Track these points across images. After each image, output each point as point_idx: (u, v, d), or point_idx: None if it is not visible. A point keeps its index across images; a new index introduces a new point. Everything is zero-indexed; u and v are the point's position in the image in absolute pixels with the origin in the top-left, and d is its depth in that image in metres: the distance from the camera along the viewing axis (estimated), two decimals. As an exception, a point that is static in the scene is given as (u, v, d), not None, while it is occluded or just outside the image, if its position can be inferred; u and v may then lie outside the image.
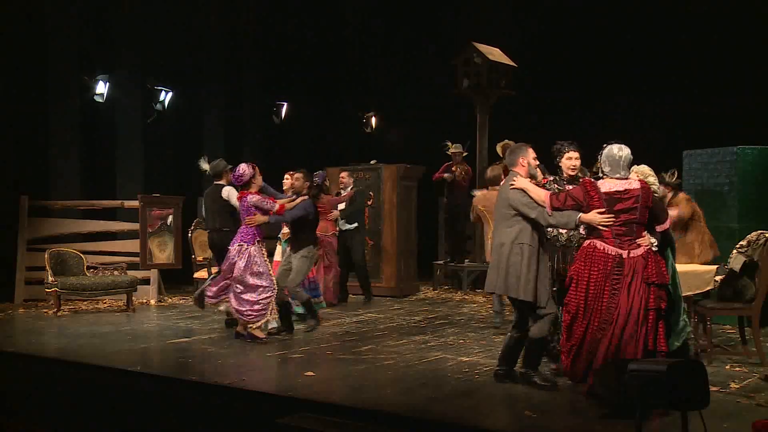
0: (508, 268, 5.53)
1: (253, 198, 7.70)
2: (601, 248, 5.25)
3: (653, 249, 5.29)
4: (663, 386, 3.91)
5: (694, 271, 6.66)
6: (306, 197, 8.18)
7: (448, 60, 11.32)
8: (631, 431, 4.44)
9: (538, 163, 5.84)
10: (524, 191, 5.54)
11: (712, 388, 4.74)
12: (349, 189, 10.54)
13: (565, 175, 6.18)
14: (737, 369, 6.36)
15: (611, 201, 5.26)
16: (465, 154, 11.65)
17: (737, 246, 6.79)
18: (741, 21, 11.50)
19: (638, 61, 12.44)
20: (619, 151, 5.32)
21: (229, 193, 8.31)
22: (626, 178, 5.32)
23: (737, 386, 5.78)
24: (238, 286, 7.62)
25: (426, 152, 12.79)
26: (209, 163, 8.77)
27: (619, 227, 5.24)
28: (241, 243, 7.68)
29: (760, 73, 11.41)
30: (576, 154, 6.15)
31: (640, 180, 5.39)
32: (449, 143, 11.75)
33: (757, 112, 11.15)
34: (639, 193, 5.26)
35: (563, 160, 6.18)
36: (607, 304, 5.19)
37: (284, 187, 8.83)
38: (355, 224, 10.56)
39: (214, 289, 7.79)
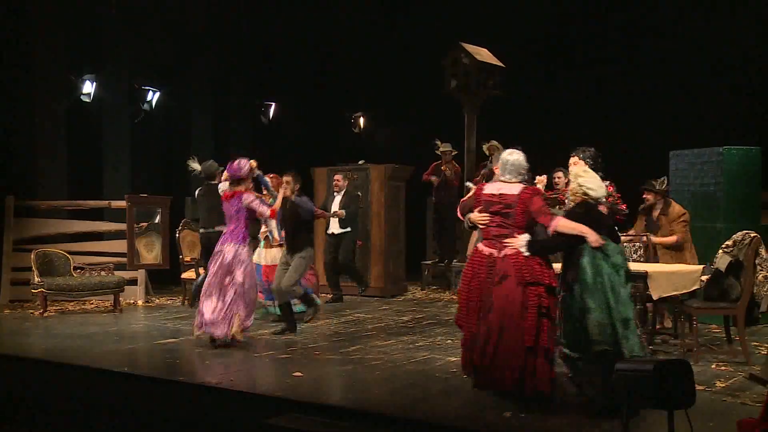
0: None
1: (248, 198, 7.45)
2: (480, 248, 5.46)
3: (523, 251, 5.24)
4: (649, 386, 3.94)
5: (680, 271, 6.70)
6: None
7: (437, 60, 11.32)
8: (617, 430, 4.47)
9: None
10: None
11: (698, 387, 4.77)
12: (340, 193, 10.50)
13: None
14: (723, 368, 6.40)
15: (487, 204, 5.43)
16: (455, 153, 11.66)
17: (723, 246, 6.83)
18: (727, 22, 11.57)
19: (625, 62, 12.49)
20: (509, 155, 5.45)
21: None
22: (510, 182, 5.39)
23: (723, 385, 5.83)
24: (236, 288, 7.35)
25: (414, 152, 12.80)
26: (200, 164, 8.80)
27: (495, 228, 5.37)
28: (235, 243, 7.42)
29: (746, 73, 11.49)
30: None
31: (525, 186, 5.39)
32: (438, 142, 11.74)
33: (742, 113, 11.23)
34: (515, 198, 5.32)
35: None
36: (483, 300, 5.30)
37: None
38: (348, 228, 10.57)
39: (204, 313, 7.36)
